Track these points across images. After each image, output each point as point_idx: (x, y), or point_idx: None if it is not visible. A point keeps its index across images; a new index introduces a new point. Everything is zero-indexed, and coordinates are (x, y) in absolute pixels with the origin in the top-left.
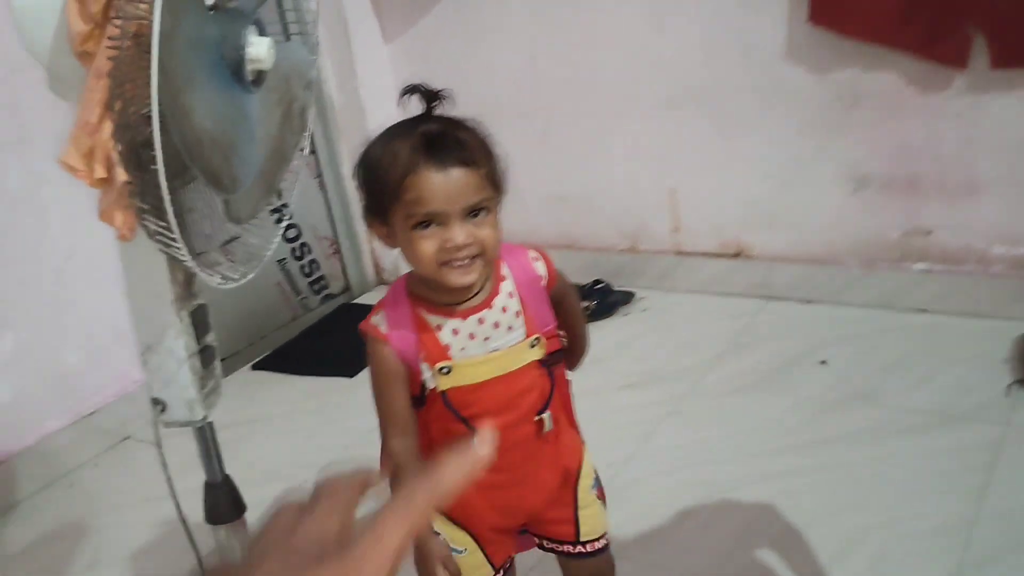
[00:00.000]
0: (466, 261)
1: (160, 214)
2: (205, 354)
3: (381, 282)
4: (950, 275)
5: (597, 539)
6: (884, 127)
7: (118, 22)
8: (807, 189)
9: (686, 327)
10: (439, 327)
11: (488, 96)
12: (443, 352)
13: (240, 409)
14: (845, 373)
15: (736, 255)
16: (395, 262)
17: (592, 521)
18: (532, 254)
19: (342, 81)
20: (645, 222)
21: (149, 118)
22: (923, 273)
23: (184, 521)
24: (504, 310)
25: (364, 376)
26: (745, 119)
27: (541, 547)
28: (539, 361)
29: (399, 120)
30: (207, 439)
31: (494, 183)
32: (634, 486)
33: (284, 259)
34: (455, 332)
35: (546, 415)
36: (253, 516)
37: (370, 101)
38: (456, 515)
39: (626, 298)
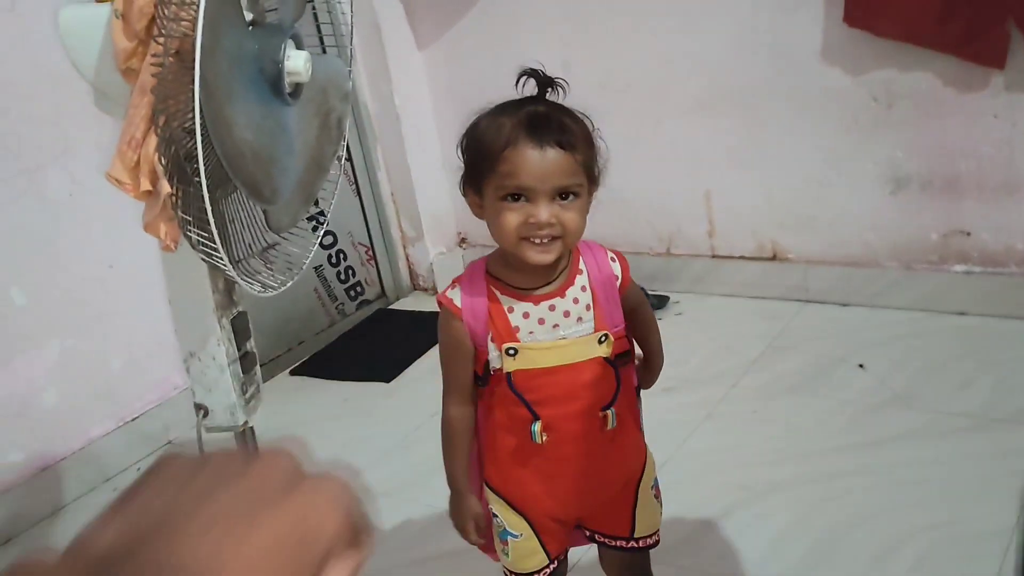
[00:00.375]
0: (546, 240)
1: (203, 225)
2: (246, 360)
3: (416, 288)
4: (990, 277)
5: (650, 536)
6: (922, 127)
7: (161, 39)
8: (844, 191)
9: (722, 331)
10: (511, 309)
11: None
12: (512, 333)
13: (278, 414)
14: (884, 376)
15: (772, 258)
16: (429, 268)
17: (648, 519)
18: (610, 254)
19: (376, 88)
20: (680, 225)
21: (192, 132)
22: (963, 275)
23: None
24: (576, 301)
25: (400, 381)
26: (780, 120)
27: (592, 540)
28: (605, 359)
29: (506, 100)
30: (248, 444)
31: (588, 172)
32: (671, 490)
33: (320, 266)
34: (525, 315)
35: (610, 411)
36: None
37: (404, 107)
38: (514, 500)
39: (661, 302)
